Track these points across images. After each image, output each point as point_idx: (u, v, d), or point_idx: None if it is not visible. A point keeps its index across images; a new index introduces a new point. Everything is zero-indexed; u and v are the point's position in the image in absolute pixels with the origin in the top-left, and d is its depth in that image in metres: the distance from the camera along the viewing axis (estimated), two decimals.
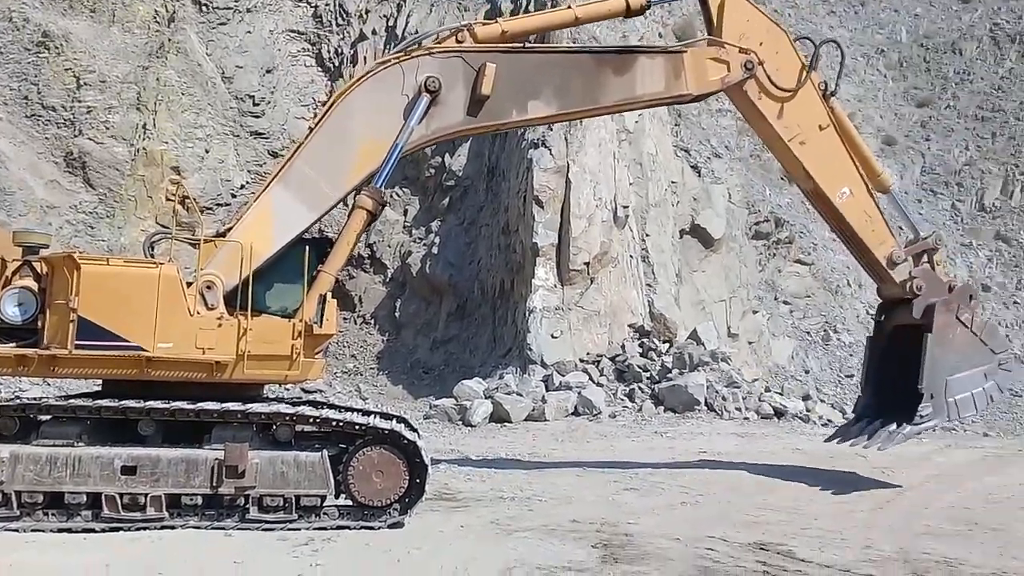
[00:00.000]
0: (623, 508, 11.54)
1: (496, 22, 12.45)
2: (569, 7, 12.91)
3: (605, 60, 12.39)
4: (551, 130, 25.66)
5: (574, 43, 25.00)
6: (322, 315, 10.16)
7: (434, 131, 11.49)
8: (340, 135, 10.92)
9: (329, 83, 36.01)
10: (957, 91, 41.73)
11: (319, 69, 36.42)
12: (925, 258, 13.82)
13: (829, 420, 23.05)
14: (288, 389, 15.30)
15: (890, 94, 42.75)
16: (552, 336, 23.63)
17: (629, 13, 13.07)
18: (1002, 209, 36.99)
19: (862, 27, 45.40)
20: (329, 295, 10.38)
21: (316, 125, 10.98)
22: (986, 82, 41.45)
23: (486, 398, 21.34)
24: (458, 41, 11.84)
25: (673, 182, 28.71)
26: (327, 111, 11.05)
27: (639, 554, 9.02)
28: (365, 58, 35.68)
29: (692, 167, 30.03)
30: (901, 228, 15.99)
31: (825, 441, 15.23)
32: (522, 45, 12.20)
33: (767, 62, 12.83)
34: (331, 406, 10.74)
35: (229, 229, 10.49)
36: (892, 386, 13.89)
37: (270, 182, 10.78)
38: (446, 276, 29.69)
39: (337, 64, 36.01)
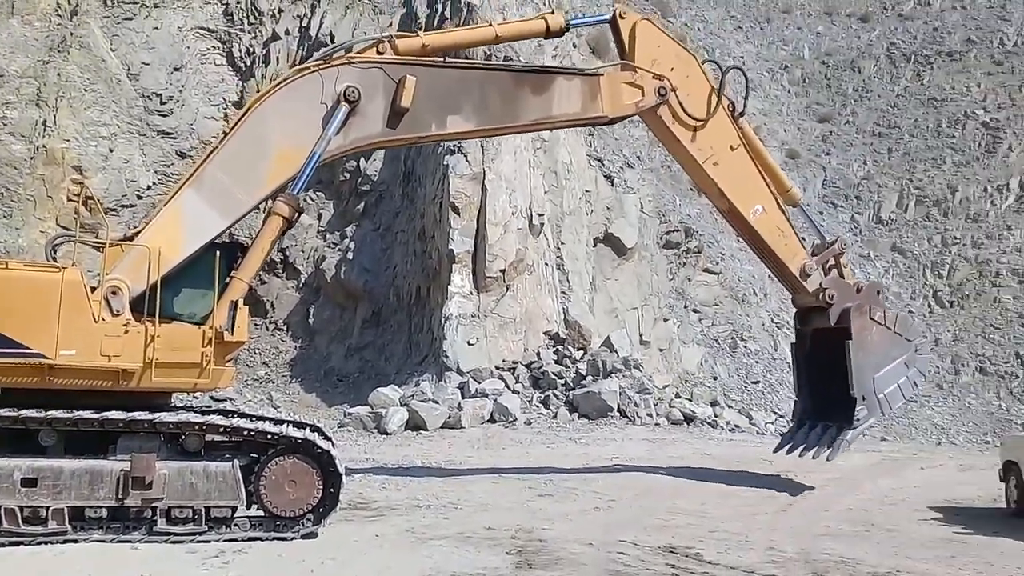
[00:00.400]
0: (538, 514, 11.65)
1: (417, 35, 12.48)
2: (490, 25, 13.18)
3: (524, 79, 12.55)
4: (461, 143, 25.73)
5: (491, 58, 25.17)
6: (233, 322, 9.95)
7: (352, 141, 11.41)
8: (255, 141, 10.73)
9: (240, 83, 35.32)
10: (856, 107, 43.62)
11: (230, 68, 35.68)
12: (832, 262, 14.45)
13: (736, 425, 23.76)
14: (196, 398, 14.92)
15: (793, 109, 44.40)
16: (468, 343, 23.67)
17: (548, 34, 13.34)
18: (898, 222, 38.79)
19: (767, 43, 47.06)
20: (240, 301, 10.18)
21: (231, 129, 10.77)
22: (883, 99, 43.45)
23: (402, 406, 21.23)
24: (379, 52, 11.79)
25: (587, 191, 29.15)
26: (243, 116, 10.84)
27: (552, 559, 9.13)
28: (278, 58, 35.13)
29: (605, 176, 30.56)
30: (805, 238, 16.64)
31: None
32: (443, 59, 12.25)
33: (679, 87, 13.21)
34: (242, 415, 10.51)
35: (137, 232, 10.17)
36: (824, 387, 14.51)
37: (181, 186, 10.47)
38: (361, 282, 29.43)
39: (249, 64, 35.33)
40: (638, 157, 34.39)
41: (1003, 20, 44.39)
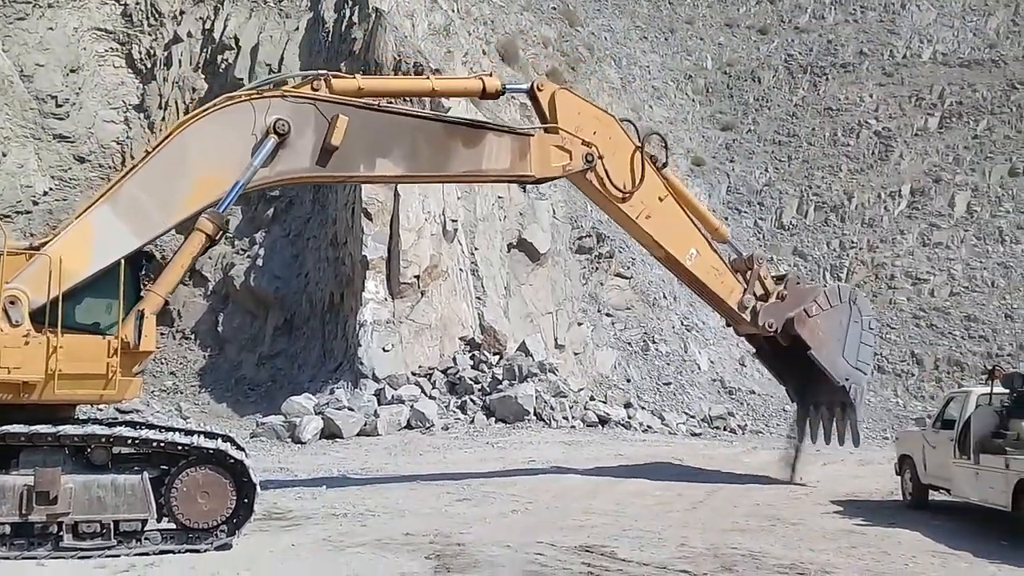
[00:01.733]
0: (456, 519, 11.71)
1: (355, 78, 12.57)
2: (428, 78, 13.59)
3: (456, 131, 12.68)
4: None
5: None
6: (140, 331, 9.71)
7: (278, 173, 11.37)
8: (179, 163, 10.56)
9: (141, 85, 34.29)
10: (757, 116, 45.09)
11: (129, 71, 34.59)
12: (757, 283, 15.02)
13: (649, 426, 24.27)
14: (102, 409, 14.44)
15: (698, 117, 45.62)
16: (383, 349, 23.53)
17: (484, 95, 13.61)
18: (798, 227, 40.24)
19: (671, 53, 48.22)
20: (146, 310, 9.93)
21: (154, 149, 10.57)
22: (782, 109, 45.04)
23: (316, 414, 20.96)
24: (313, 89, 11.81)
25: (500, 197, 29.32)
26: (167, 136, 10.68)
27: (471, 562, 9.21)
28: (180, 60, 34.25)
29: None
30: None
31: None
32: (376, 104, 12.25)
33: (602, 148, 13.56)
34: (151, 426, 10.26)
35: (44, 243, 9.83)
36: (802, 371, 15.59)
37: (96, 200, 10.22)
38: (272, 289, 28.91)
39: (150, 66, 34.33)
40: None
41: (893, 33, 46.57)
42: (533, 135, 13.23)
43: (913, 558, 9.75)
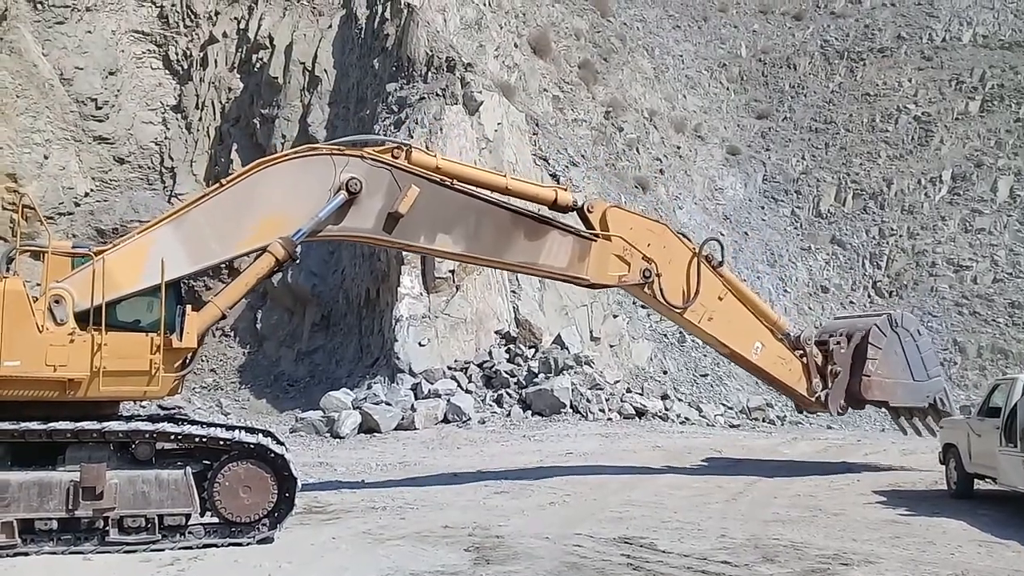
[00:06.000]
0: (494, 511, 11.73)
1: (434, 156, 12.77)
2: (505, 176, 13.59)
3: (520, 222, 12.70)
4: (411, 136, 25.72)
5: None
6: (182, 328, 9.86)
7: (341, 229, 11.54)
8: (248, 200, 10.79)
9: (178, 86, 34.74)
10: (793, 104, 44.54)
11: (167, 72, 35.06)
12: (812, 366, 14.83)
13: (687, 418, 24.13)
14: (144, 406, 14.68)
15: (732, 106, 45.17)
16: (420, 344, 23.64)
17: (554, 206, 13.58)
18: (836, 215, 39.71)
19: (705, 42, 47.79)
20: (188, 308, 10.09)
21: (228, 182, 10.84)
22: (818, 96, 44.44)
23: (354, 409, 21.12)
24: (393, 156, 11.98)
25: None
26: (244, 173, 10.95)
27: (510, 554, 9.22)
28: (216, 61, 34.63)
29: (551, 175, 30.75)
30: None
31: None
32: (451, 181, 12.32)
33: (659, 260, 13.52)
34: (193, 422, 10.42)
35: (103, 251, 10.02)
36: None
37: (162, 220, 10.50)
38: (309, 286, 29.17)
39: (187, 67, 34.77)
40: (583, 155, 34.67)
41: (931, 16, 45.74)
42: (596, 240, 13.19)
43: (959, 547, 9.60)
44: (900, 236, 37.96)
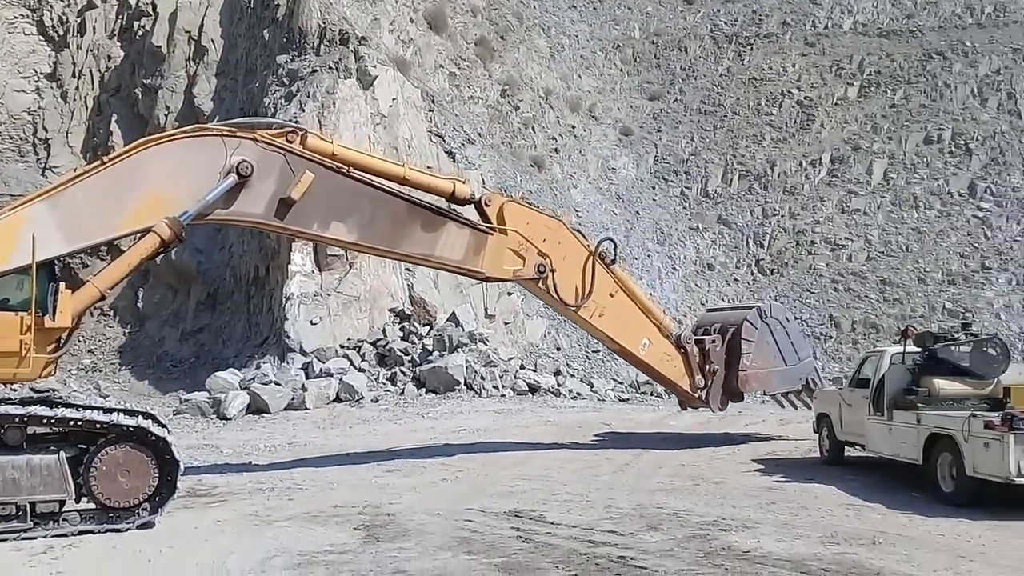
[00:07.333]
0: (385, 489, 11.70)
1: (331, 142, 12.44)
2: (403, 165, 13.34)
3: (417, 212, 12.56)
4: (303, 110, 25.14)
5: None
6: (55, 307, 9.41)
7: (230, 213, 11.21)
8: (132, 179, 10.36)
9: (54, 53, 32.92)
10: (683, 86, 45.53)
11: (41, 38, 33.17)
12: (694, 365, 15.24)
13: (578, 393, 24.58)
14: (16, 389, 13.95)
15: (625, 87, 45.86)
16: (311, 323, 23.26)
17: (452, 198, 13.45)
18: (723, 195, 40.94)
19: (600, 22, 48.26)
20: (63, 286, 9.65)
21: (110, 160, 10.36)
22: (708, 79, 45.56)
23: (242, 389, 20.65)
24: (288, 140, 11.64)
25: (429, 167, 29.08)
26: (128, 151, 10.52)
27: (400, 531, 9.23)
28: (94, 28, 32.96)
29: (447, 152, 30.62)
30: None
31: None
32: (346, 169, 12.02)
33: (554, 256, 13.61)
34: (67, 404, 9.96)
35: None
36: None
37: (34, 197, 9.96)
38: (194, 263, 28.25)
39: (62, 33, 32.96)
40: (479, 133, 34.62)
41: (815, 4, 47.38)
42: (492, 233, 13.18)
43: (829, 511, 10.12)
44: (782, 216, 39.44)
